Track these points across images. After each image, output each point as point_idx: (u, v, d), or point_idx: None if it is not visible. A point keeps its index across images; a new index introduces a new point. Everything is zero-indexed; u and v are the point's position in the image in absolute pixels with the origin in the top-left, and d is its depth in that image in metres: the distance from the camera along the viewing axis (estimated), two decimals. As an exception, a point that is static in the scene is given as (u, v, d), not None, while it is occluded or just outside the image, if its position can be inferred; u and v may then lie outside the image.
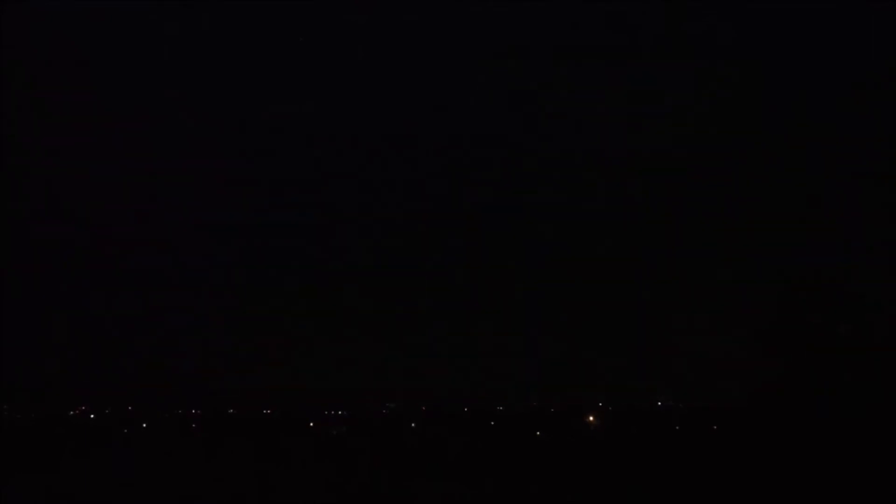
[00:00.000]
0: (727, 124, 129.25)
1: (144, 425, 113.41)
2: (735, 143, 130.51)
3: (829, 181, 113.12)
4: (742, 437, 74.31)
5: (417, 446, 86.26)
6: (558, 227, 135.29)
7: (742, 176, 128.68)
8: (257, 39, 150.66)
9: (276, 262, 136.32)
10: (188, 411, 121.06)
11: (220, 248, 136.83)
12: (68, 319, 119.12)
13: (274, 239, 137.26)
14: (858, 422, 62.72)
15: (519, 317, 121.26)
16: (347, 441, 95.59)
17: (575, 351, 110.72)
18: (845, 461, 53.38)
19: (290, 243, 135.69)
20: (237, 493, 49.52)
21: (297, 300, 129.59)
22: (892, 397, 63.69)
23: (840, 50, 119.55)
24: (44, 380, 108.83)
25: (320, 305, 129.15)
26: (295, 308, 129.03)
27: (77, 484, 52.82)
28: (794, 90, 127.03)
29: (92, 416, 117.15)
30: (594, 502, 45.92)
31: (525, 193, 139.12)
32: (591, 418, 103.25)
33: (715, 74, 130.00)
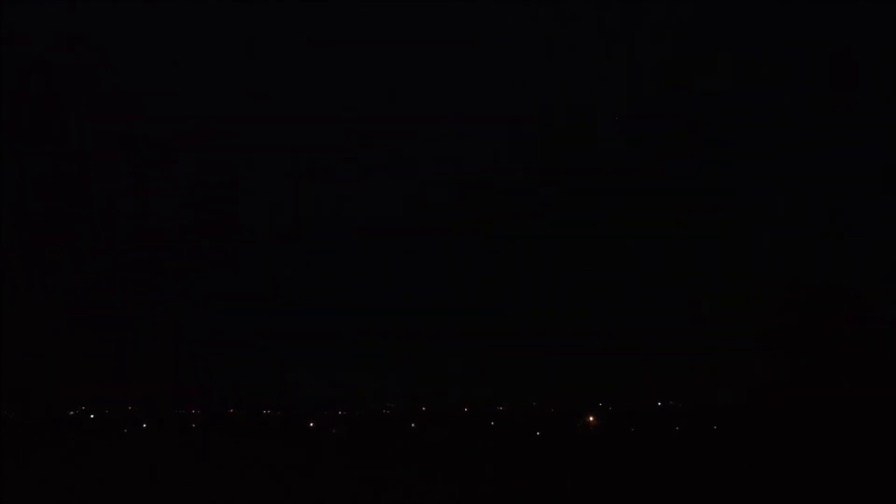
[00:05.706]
0: (728, 124, 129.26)
1: (144, 425, 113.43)
2: (735, 142, 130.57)
3: (829, 182, 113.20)
4: (742, 437, 74.56)
5: (417, 446, 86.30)
6: (558, 226, 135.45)
7: (743, 176, 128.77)
8: (258, 39, 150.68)
9: (276, 261, 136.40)
10: (188, 411, 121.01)
11: (220, 246, 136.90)
12: (68, 319, 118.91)
13: (274, 238, 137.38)
14: (858, 422, 62.83)
15: (519, 316, 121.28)
16: (347, 441, 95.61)
17: (575, 351, 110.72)
18: (845, 461, 53.46)
19: (290, 242, 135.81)
20: (237, 493, 49.53)
21: (298, 299, 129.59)
22: (892, 397, 63.78)
23: (841, 49, 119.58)
24: (44, 380, 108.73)
25: (320, 305, 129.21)
26: (295, 307, 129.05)
27: (77, 484, 52.81)
28: (795, 90, 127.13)
29: (92, 416, 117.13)
30: (594, 502, 45.94)
31: (525, 192, 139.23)
32: (591, 418, 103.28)
33: (715, 73, 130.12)
